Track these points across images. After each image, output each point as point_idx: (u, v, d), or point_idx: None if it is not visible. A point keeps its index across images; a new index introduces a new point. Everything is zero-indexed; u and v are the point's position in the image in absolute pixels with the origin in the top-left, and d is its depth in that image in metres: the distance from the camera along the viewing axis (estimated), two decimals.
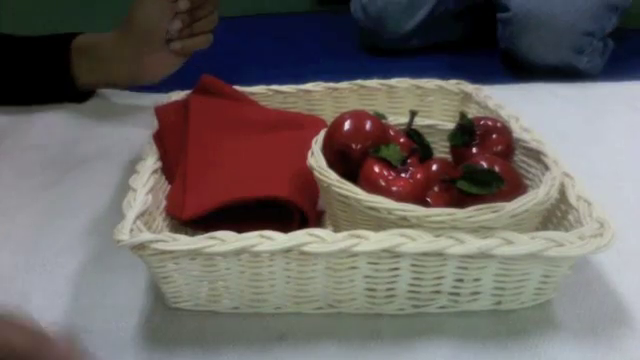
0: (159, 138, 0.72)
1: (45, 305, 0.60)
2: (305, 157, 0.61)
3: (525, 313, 0.57)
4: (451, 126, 0.67)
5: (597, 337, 0.55)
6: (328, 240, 0.52)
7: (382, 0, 1.21)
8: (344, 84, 0.84)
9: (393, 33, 1.22)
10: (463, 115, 0.66)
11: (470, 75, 0.86)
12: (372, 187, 0.56)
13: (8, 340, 0.40)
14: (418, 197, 0.56)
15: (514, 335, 0.55)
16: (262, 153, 0.71)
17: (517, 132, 0.67)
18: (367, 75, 0.85)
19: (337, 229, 0.58)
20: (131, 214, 0.56)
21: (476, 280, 0.55)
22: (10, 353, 0.40)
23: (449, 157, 0.67)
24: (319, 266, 0.54)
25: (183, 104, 0.77)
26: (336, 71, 0.92)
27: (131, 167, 0.67)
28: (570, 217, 0.58)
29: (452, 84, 0.84)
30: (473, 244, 0.52)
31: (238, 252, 0.52)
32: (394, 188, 0.56)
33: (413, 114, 0.66)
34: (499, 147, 0.63)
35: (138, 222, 0.56)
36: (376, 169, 0.57)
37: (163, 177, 0.68)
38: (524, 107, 0.75)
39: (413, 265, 0.54)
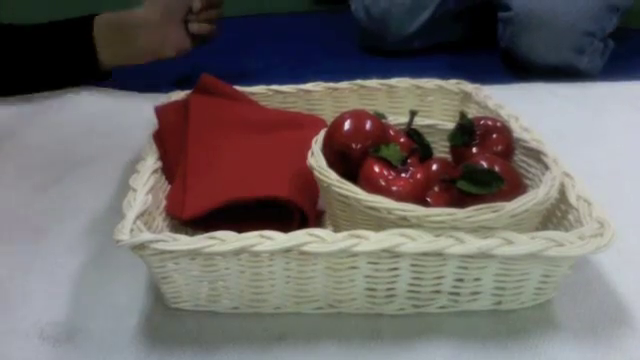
0: (159, 138, 0.72)
1: (45, 305, 0.60)
2: (305, 157, 0.61)
3: (525, 313, 0.57)
4: (451, 126, 0.67)
5: (597, 337, 0.55)
6: (328, 240, 0.52)
7: (386, 1, 1.21)
8: (344, 84, 0.84)
9: (396, 35, 1.22)
10: (463, 115, 0.66)
11: (470, 75, 0.86)
12: (372, 187, 0.56)
13: None
14: (418, 197, 0.56)
15: (514, 335, 0.55)
16: (262, 153, 0.71)
17: (517, 132, 0.67)
18: (367, 75, 0.85)
19: (337, 229, 0.58)
20: (131, 214, 0.56)
21: (476, 280, 0.55)
22: None
23: (449, 157, 0.67)
24: (319, 266, 0.54)
25: (183, 104, 0.78)
26: (336, 71, 0.92)
27: (131, 167, 0.67)
28: (570, 217, 0.58)
29: (452, 84, 0.84)
30: (473, 244, 0.52)
31: (238, 252, 0.52)
32: (394, 188, 0.56)
33: (413, 114, 0.66)
34: (499, 147, 0.63)
35: (138, 222, 0.56)
36: (376, 169, 0.57)
37: (163, 177, 0.68)
38: (524, 107, 0.75)
39: (413, 265, 0.54)
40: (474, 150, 0.63)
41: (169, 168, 0.70)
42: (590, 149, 0.84)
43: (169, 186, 0.68)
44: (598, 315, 0.57)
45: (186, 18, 1.04)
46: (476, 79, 0.85)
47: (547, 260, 0.53)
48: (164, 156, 0.70)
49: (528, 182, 0.63)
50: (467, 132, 0.64)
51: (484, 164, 0.57)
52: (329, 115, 0.82)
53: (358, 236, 0.52)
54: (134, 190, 0.61)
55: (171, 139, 0.72)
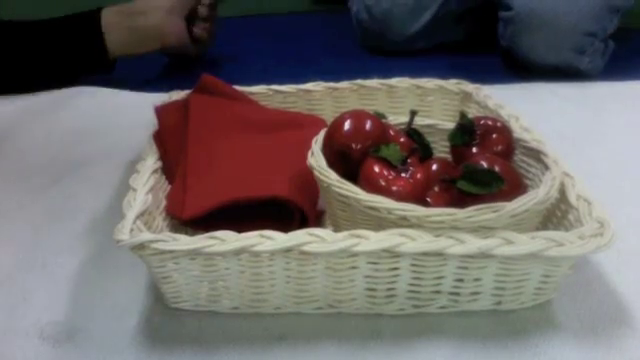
0: (159, 138, 0.72)
1: (45, 305, 0.60)
2: (305, 157, 0.61)
3: (525, 313, 0.57)
4: (451, 126, 0.67)
5: (597, 337, 0.55)
6: (328, 240, 0.52)
7: (388, 2, 1.21)
8: (344, 84, 0.84)
9: (398, 35, 1.22)
10: (463, 115, 0.66)
11: (470, 75, 0.86)
12: (372, 187, 0.56)
13: None
14: (418, 197, 0.56)
15: (514, 335, 0.55)
16: (262, 153, 0.71)
17: (517, 132, 0.67)
18: (367, 75, 0.85)
19: (337, 229, 0.58)
20: (131, 214, 0.56)
21: (476, 280, 0.55)
22: None
23: (449, 157, 0.67)
24: (319, 266, 0.54)
25: (183, 104, 0.77)
26: (336, 71, 0.92)
27: (131, 167, 0.67)
28: (570, 217, 0.58)
29: (452, 84, 0.84)
30: (473, 244, 0.52)
31: (238, 252, 0.52)
32: (394, 188, 0.56)
33: (413, 114, 0.66)
34: (499, 147, 0.63)
35: (138, 222, 0.56)
36: (376, 169, 0.57)
37: (163, 177, 0.68)
38: (524, 107, 0.75)
39: (413, 265, 0.54)
40: (474, 150, 0.63)
41: (169, 168, 0.70)
42: (590, 149, 0.84)
43: (169, 186, 0.68)
44: (598, 315, 0.57)
45: (187, 17, 1.12)
46: (476, 79, 0.85)
47: (547, 260, 0.53)
48: (164, 156, 0.70)
49: (528, 182, 0.63)
50: (467, 132, 0.64)
51: (484, 164, 0.57)
52: (329, 115, 0.81)
53: (358, 236, 0.52)
54: (134, 190, 0.61)
55: (171, 139, 0.72)
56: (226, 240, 0.52)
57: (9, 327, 0.57)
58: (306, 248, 0.52)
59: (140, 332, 0.57)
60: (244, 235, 0.52)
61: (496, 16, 1.13)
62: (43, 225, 0.72)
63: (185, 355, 0.54)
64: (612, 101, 0.99)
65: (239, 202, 0.63)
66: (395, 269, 0.54)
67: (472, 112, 0.79)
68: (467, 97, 0.82)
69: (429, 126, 0.70)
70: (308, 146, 0.62)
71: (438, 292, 0.56)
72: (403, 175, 0.57)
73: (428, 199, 0.59)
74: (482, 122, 0.65)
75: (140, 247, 0.53)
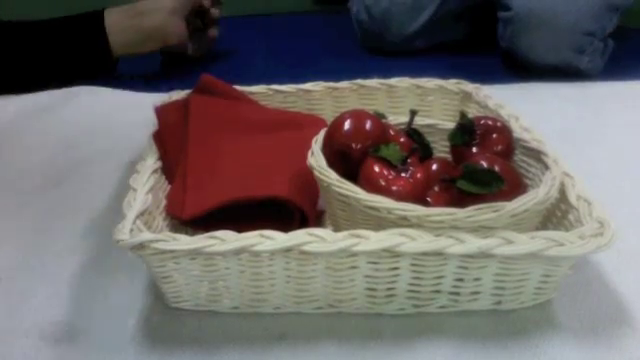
0: (159, 138, 0.72)
1: (45, 305, 0.60)
2: (305, 157, 0.61)
3: (525, 313, 0.57)
4: (451, 125, 0.67)
5: (597, 337, 0.55)
6: (328, 240, 0.52)
7: (386, 1, 1.21)
8: (344, 84, 0.84)
9: (397, 35, 1.22)
10: (463, 115, 0.66)
11: (470, 74, 0.86)
12: (372, 187, 0.56)
13: None
14: (418, 197, 0.56)
15: (514, 335, 0.55)
16: (262, 153, 0.71)
17: (517, 132, 0.67)
18: (367, 75, 0.85)
19: (337, 229, 0.58)
20: (131, 214, 0.56)
21: (476, 280, 0.55)
22: None
23: (449, 157, 0.67)
24: (319, 266, 0.54)
25: (183, 104, 0.77)
26: (336, 71, 0.92)
27: (131, 167, 0.67)
28: (570, 217, 0.58)
29: (452, 83, 0.84)
30: (473, 244, 0.52)
31: (238, 252, 0.52)
32: (394, 188, 0.56)
33: (413, 113, 0.66)
34: (499, 147, 0.63)
35: (138, 222, 0.56)
36: (376, 169, 0.57)
37: (163, 177, 0.68)
38: (524, 106, 0.75)
39: (413, 265, 0.54)
40: (474, 150, 0.63)
41: (169, 168, 0.69)
42: (590, 149, 0.84)
43: (169, 186, 0.68)
44: (598, 315, 0.57)
45: (187, 17, 1.15)
46: (476, 79, 0.85)
47: (547, 260, 0.53)
48: (164, 156, 0.70)
49: (528, 182, 0.63)
50: (467, 132, 0.64)
51: (484, 164, 0.57)
52: (329, 115, 0.81)
53: (358, 236, 0.52)
54: (134, 190, 0.61)
55: (171, 139, 0.72)
56: (226, 240, 0.52)
57: (9, 327, 0.57)
58: (306, 248, 0.52)
59: (140, 332, 0.57)
60: (244, 235, 0.52)
61: (496, 16, 1.13)
62: (43, 225, 0.72)
63: (185, 355, 0.54)
64: (612, 101, 0.99)
65: (239, 202, 0.63)
66: (395, 269, 0.54)
67: (472, 112, 0.79)
68: (467, 97, 0.82)
69: (429, 126, 0.70)
70: (308, 146, 0.62)
71: (438, 292, 0.56)
72: (403, 175, 0.57)
73: (428, 199, 0.59)
74: (482, 122, 0.65)
75: (140, 247, 0.53)
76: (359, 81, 0.84)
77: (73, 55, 1.07)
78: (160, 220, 0.62)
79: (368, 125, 0.61)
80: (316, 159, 0.59)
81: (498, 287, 0.56)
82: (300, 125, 0.78)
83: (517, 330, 0.56)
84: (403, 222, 0.53)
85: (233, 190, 0.65)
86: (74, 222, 0.71)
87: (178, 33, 1.13)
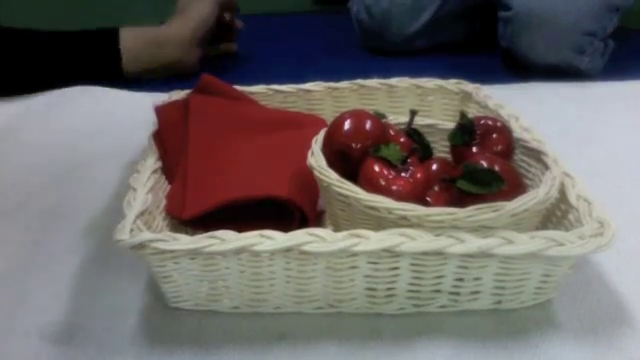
0: (159, 138, 0.72)
1: (45, 305, 0.60)
2: (305, 157, 0.61)
3: (525, 313, 0.57)
4: (451, 125, 0.67)
5: (597, 337, 0.55)
6: (328, 240, 0.52)
7: (387, 1, 1.21)
8: (344, 84, 0.84)
9: (397, 35, 1.22)
10: (463, 114, 0.66)
11: (470, 74, 0.86)
12: (372, 187, 0.56)
13: None
14: (418, 196, 0.56)
15: (514, 335, 0.55)
16: (262, 152, 0.71)
17: (517, 131, 0.67)
18: (367, 75, 0.85)
19: (337, 229, 0.58)
20: (131, 214, 0.56)
21: (476, 279, 0.55)
22: None
23: (449, 156, 0.67)
24: (319, 266, 0.54)
25: (183, 103, 0.77)
26: (336, 71, 0.92)
27: (131, 167, 0.67)
28: (570, 216, 0.58)
29: (452, 83, 0.84)
30: (473, 243, 0.52)
31: (238, 251, 0.52)
32: (394, 187, 0.56)
33: (413, 113, 0.66)
34: (499, 146, 0.63)
35: (138, 221, 0.56)
36: (376, 168, 0.57)
37: (163, 177, 0.68)
38: (524, 106, 0.75)
39: (413, 264, 0.54)
40: (474, 150, 0.63)
41: (169, 168, 0.69)
42: (590, 149, 0.84)
43: (169, 186, 0.68)
44: (598, 315, 0.57)
45: (204, 43, 1.15)
46: (476, 79, 0.85)
47: (547, 260, 0.53)
48: (164, 156, 0.70)
49: (528, 182, 0.63)
50: (467, 132, 0.64)
51: (484, 164, 0.57)
52: (329, 115, 0.81)
53: (358, 236, 0.52)
54: (134, 190, 0.61)
55: (171, 139, 0.72)
56: (226, 240, 0.52)
57: (9, 327, 0.57)
58: (306, 248, 0.52)
59: (140, 332, 0.57)
60: (244, 235, 0.52)
61: (496, 16, 1.13)
62: (43, 225, 0.72)
63: (185, 355, 0.54)
64: (612, 101, 0.99)
65: (239, 202, 0.63)
66: (395, 268, 0.54)
67: (472, 112, 0.79)
68: (467, 97, 0.82)
69: (429, 126, 0.70)
70: (308, 146, 0.62)
71: (438, 291, 0.56)
72: (403, 175, 0.57)
73: (428, 199, 0.59)
74: (482, 122, 0.65)
75: (140, 247, 0.53)
76: (359, 81, 0.84)
77: (84, 71, 1.06)
78: (160, 220, 0.62)
79: (368, 125, 0.61)
80: (316, 159, 0.59)
81: (498, 287, 0.56)
82: (300, 125, 0.78)
83: (517, 330, 0.56)
84: (403, 222, 0.53)
85: (233, 190, 0.65)
86: (74, 222, 0.71)
87: (192, 63, 1.12)
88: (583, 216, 0.56)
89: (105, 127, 0.93)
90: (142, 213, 0.57)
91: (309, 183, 0.62)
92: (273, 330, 0.56)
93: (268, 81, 0.86)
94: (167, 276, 0.56)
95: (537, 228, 0.59)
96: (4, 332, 0.57)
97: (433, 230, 0.52)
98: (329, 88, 0.84)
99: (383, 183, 0.56)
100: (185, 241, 0.53)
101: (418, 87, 0.83)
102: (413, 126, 0.67)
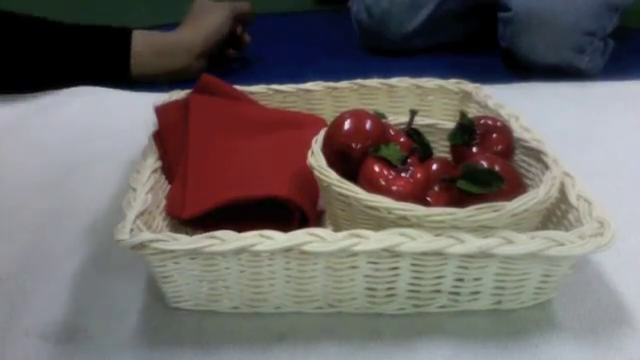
0: (159, 138, 0.72)
1: (45, 305, 0.60)
2: (305, 156, 0.61)
3: (525, 313, 0.57)
4: (451, 125, 0.67)
5: (597, 337, 0.55)
6: (328, 239, 0.52)
7: (387, 1, 1.21)
8: (344, 83, 0.84)
9: (396, 33, 1.22)
10: (463, 114, 0.66)
11: (470, 74, 0.86)
12: (372, 186, 0.56)
13: None
14: (418, 196, 0.56)
15: (514, 335, 0.55)
16: (262, 152, 0.71)
17: (517, 131, 0.67)
18: (367, 74, 0.85)
19: (337, 228, 0.58)
20: (131, 213, 0.56)
21: (476, 279, 0.55)
22: None
23: (449, 156, 0.67)
24: (319, 265, 0.54)
25: (183, 103, 0.77)
26: (336, 70, 0.92)
27: (131, 167, 0.67)
28: (570, 216, 0.58)
29: (452, 83, 0.84)
30: (473, 243, 0.52)
31: (238, 251, 0.52)
32: (394, 187, 0.56)
33: (413, 113, 0.66)
34: (499, 146, 0.63)
35: (138, 221, 0.56)
36: (376, 168, 0.57)
37: (163, 177, 0.68)
38: (524, 106, 0.75)
39: (413, 264, 0.54)
40: (474, 150, 0.63)
41: (169, 168, 0.70)
42: (590, 149, 0.84)
43: (169, 186, 0.68)
44: (598, 315, 0.57)
45: (211, 52, 1.14)
46: (476, 79, 0.85)
47: (547, 260, 0.53)
48: (164, 156, 0.70)
49: (528, 182, 0.63)
50: (467, 132, 0.64)
51: (484, 164, 0.57)
52: (329, 115, 0.81)
53: (358, 235, 0.52)
54: (134, 190, 0.61)
55: (171, 139, 0.72)
56: (226, 240, 0.52)
57: (9, 327, 0.57)
58: (306, 248, 0.52)
59: (140, 332, 0.57)
60: (244, 235, 0.52)
61: (496, 16, 1.13)
62: (43, 225, 0.72)
63: (185, 355, 0.54)
64: (612, 101, 0.98)
65: (239, 202, 0.63)
66: (395, 269, 0.54)
67: (472, 112, 0.79)
68: (467, 97, 0.82)
69: (429, 126, 0.70)
70: (308, 146, 0.62)
71: (438, 292, 0.56)
72: (403, 175, 0.57)
73: (428, 199, 0.59)
74: (482, 122, 0.65)
75: (140, 247, 0.53)
76: (359, 81, 0.84)
77: (93, 69, 1.06)
78: (160, 220, 0.62)
79: (368, 125, 0.61)
80: (316, 159, 0.59)
81: (498, 287, 0.56)
82: (300, 125, 0.78)
83: (517, 330, 0.56)
84: (403, 222, 0.53)
85: (233, 190, 0.65)
86: (74, 222, 0.71)
87: (198, 71, 1.09)
88: (583, 216, 0.56)
89: (105, 127, 0.93)
90: (142, 213, 0.57)
91: (309, 183, 0.62)
92: (273, 330, 0.56)
93: (268, 81, 0.86)
94: (167, 276, 0.56)
95: (537, 228, 0.59)
96: (4, 332, 0.57)
97: (433, 230, 0.52)
98: (329, 88, 0.84)
99: (383, 183, 0.56)
100: (185, 241, 0.53)
101: (418, 87, 0.83)
102: (413, 126, 0.67)
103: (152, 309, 0.59)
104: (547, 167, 0.60)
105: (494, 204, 0.53)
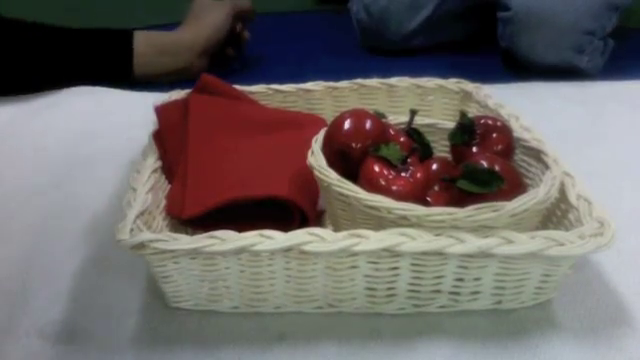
0: (159, 137, 0.72)
1: (45, 305, 0.60)
2: (305, 156, 0.61)
3: (525, 313, 0.57)
4: (451, 125, 0.67)
5: (597, 337, 0.55)
6: (328, 239, 0.52)
7: (385, 0, 1.21)
8: (344, 83, 0.84)
9: (396, 33, 1.22)
10: (463, 114, 0.66)
11: (470, 74, 0.86)
12: (372, 186, 0.56)
13: None
14: (418, 196, 0.56)
15: (514, 335, 0.55)
16: (262, 152, 0.71)
17: (517, 131, 0.67)
18: (367, 74, 0.85)
19: (337, 228, 0.58)
20: (131, 213, 0.56)
21: (476, 279, 0.55)
22: None
23: (449, 156, 0.67)
24: (319, 265, 0.54)
25: (183, 103, 0.77)
26: (336, 70, 0.92)
27: (131, 167, 0.67)
28: (570, 216, 0.58)
29: (452, 83, 0.84)
30: (473, 243, 0.51)
31: (238, 251, 0.52)
32: (394, 187, 0.56)
33: (413, 113, 0.66)
34: (499, 146, 0.63)
35: (138, 221, 0.56)
36: (376, 168, 0.57)
37: (163, 177, 0.68)
38: (524, 106, 0.75)
39: (413, 264, 0.54)
40: (474, 149, 0.63)
41: (169, 168, 0.69)
42: (590, 148, 0.84)
43: (169, 186, 0.68)
44: (598, 315, 0.57)
45: (212, 51, 1.14)
46: (476, 78, 0.85)
47: (547, 259, 0.53)
48: (164, 156, 0.70)
49: (528, 181, 0.63)
50: (467, 131, 0.64)
51: (484, 163, 0.57)
52: (329, 114, 0.81)
53: (358, 235, 0.52)
54: (134, 190, 0.61)
55: (171, 138, 0.72)
56: (226, 240, 0.52)
57: (9, 327, 0.57)
58: (306, 248, 0.52)
59: (140, 332, 0.57)
60: (244, 235, 0.52)
61: (495, 16, 1.13)
62: (43, 225, 0.72)
63: (185, 355, 0.54)
64: (612, 101, 0.98)
65: (239, 201, 0.63)
66: (395, 268, 0.54)
67: (472, 111, 0.79)
68: (467, 96, 0.82)
69: (429, 125, 0.70)
70: (308, 145, 0.62)
71: (438, 291, 0.56)
72: (403, 174, 0.57)
73: (428, 198, 0.59)
74: (482, 121, 0.65)
75: (140, 246, 0.53)
76: (359, 81, 0.84)
77: (93, 72, 1.06)
78: (160, 220, 0.62)
79: (368, 125, 0.61)
80: (316, 159, 0.59)
81: (498, 287, 0.56)
82: (300, 125, 0.78)
83: (517, 330, 0.56)
84: (403, 222, 0.53)
85: (233, 189, 0.65)
86: (74, 222, 0.71)
87: (200, 70, 1.09)
88: (583, 216, 0.56)
89: (105, 127, 0.93)
90: (142, 213, 0.57)
91: (309, 183, 0.62)
92: (273, 330, 0.56)
93: (268, 81, 0.86)
94: (167, 276, 0.56)
95: (537, 228, 0.59)
96: (4, 332, 0.57)
97: (433, 230, 0.52)
98: (329, 88, 0.84)
99: (383, 183, 0.56)
100: (185, 241, 0.53)
101: (418, 87, 0.83)
102: (413, 126, 0.67)
103: (152, 309, 0.59)
104: (547, 167, 0.60)
105: (494, 204, 0.53)
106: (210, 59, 1.14)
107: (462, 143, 0.64)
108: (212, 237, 0.53)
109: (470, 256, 0.53)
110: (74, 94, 1.03)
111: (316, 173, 0.59)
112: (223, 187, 0.66)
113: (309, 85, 0.84)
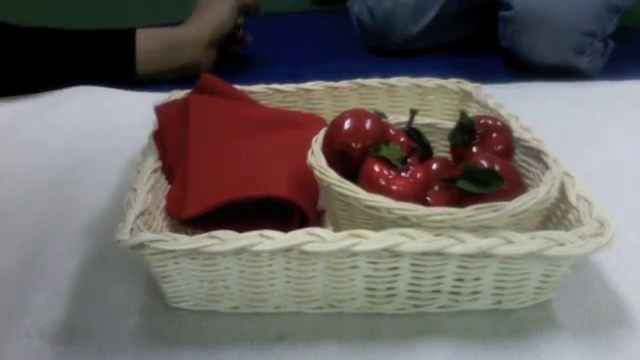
0: (159, 137, 0.72)
1: (45, 305, 0.60)
2: (305, 156, 0.61)
3: (525, 313, 0.57)
4: (451, 125, 0.67)
5: (597, 337, 0.55)
6: (328, 239, 0.52)
7: (390, 2, 1.21)
8: (344, 83, 0.84)
9: (400, 36, 1.22)
10: (463, 114, 0.66)
11: (470, 74, 0.86)
12: (372, 186, 0.56)
13: None
14: (418, 196, 0.56)
15: (514, 335, 0.55)
16: (262, 152, 0.71)
17: (517, 131, 0.67)
18: (367, 74, 0.85)
19: (337, 228, 0.58)
20: (131, 214, 0.56)
21: (476, 279, 0.55)
22: None
23: (449, 156, 0.67)
24: (319, 265, 0.54)
25: (183, 103, 0.77)
26: (336, 70, 0.92)
27: (131, 167, 0.67)
28: (570, 216, 0.58)
29: (452, 83, 0.84)
30: (473, 243, 0.51)
31: (238, 251, 0.52)
32: (394, 187, 0.56)
33: (413, 113, 0.66)
34: (499, 146, 0.63)
35: (138, 221, 0.56)
36: (376, 168, 0.57)
37: (163, 177, 0.68)
38: (524, 106, 0.75)
39: (413, 264, 0.54)
40: (474, 149, 0.63)
41: (169, 168, 0.70)
42: (590, 149, 0.84)
43: (169, 186, 0.68)
44: (598, 315, 0.57)
45: (218, 45, 1.14)
46: (476, 78, 0.85)
47: (547, 260, 0.53)
48: (164, 156, 0.70)
49: (528, 182, 0.63)
50: (467, 131, 0.64)
51: (484, 163, 0.57)
52: (329, 114, 0.81)
53: (358, 235, 0.52)
54: (134, 190, 0.61)
55: (171, 138, 0.72)
56: (226, 240, 0.52)
57: (9, 327, 0.57)
58: (306, 248, 0.52)
59: (140, 332, 0.57)
60: (244, 235, 0.52)
61: (496, 16, 1.13)
62: (43, 225, 0.72)
63: (185, 355, 0.54)
64: (612, 101, 0.98)
65: (239, 201, 0.63)
66: (395, 269, 0.54)
67: (472, 111, 0.79)
68: (467, 96, 0.82)
69: (429, 125, 0.70)
70: (308, 145, 0.62)
71: (438, 291, 0.56)
72: (403, 174, 0.57)
73: (428, 198, 0.59)
74: (482, 121, 0.65)
75: (140, 247, 0.53)
76: (359, 80, 0.84)
77: (97, 71, 1.05)
78: (160, 220, 0.62)
79: (368, 124, 0.61)
80: (316, 159, 0.59)
81: (498, 287, 0.56)
82: (300, 125, 0.78)
83: (517, 330, 0.56)
84: (403, 222, 0.53)
85: (233, 189, 0.65)
86: (74, 222, 0.71)
87: (207, 65, 1.11)
88: (583, 216, 0.56)
89: (105, 127, 0.93)
90: (142, 213, 0.57)
91: (309, 183, 0.62)
92: (273, 330, 0.56)
93: (268, 81, 0.86)
94: (167, 276, 0.56)
95: (537, 228, 0.59)
96: (4, 332, 0.57)
97: (433, 230, 0.52)
98: (329, 88, 0.84)
99: (383, 183, 0.56)
100: (185, 241, 0.53)
101: (418, 86, 0.83)
102: (413, 125, 0.67)
103: (152, 309, 0.59)
104: (547, 167, 0.60)
105: (494, 204, 0.53)
106: (217, 54, 1.14)
107: (462, 143, 0.64)
108: (212, 237, 0.53)
109: (470, 256, 0.53)
110: (74, 94, 1.03)
111: (316, 173, 0.59)
112: (223, 187, 0.66)
113: (309, 85, 0.84)
